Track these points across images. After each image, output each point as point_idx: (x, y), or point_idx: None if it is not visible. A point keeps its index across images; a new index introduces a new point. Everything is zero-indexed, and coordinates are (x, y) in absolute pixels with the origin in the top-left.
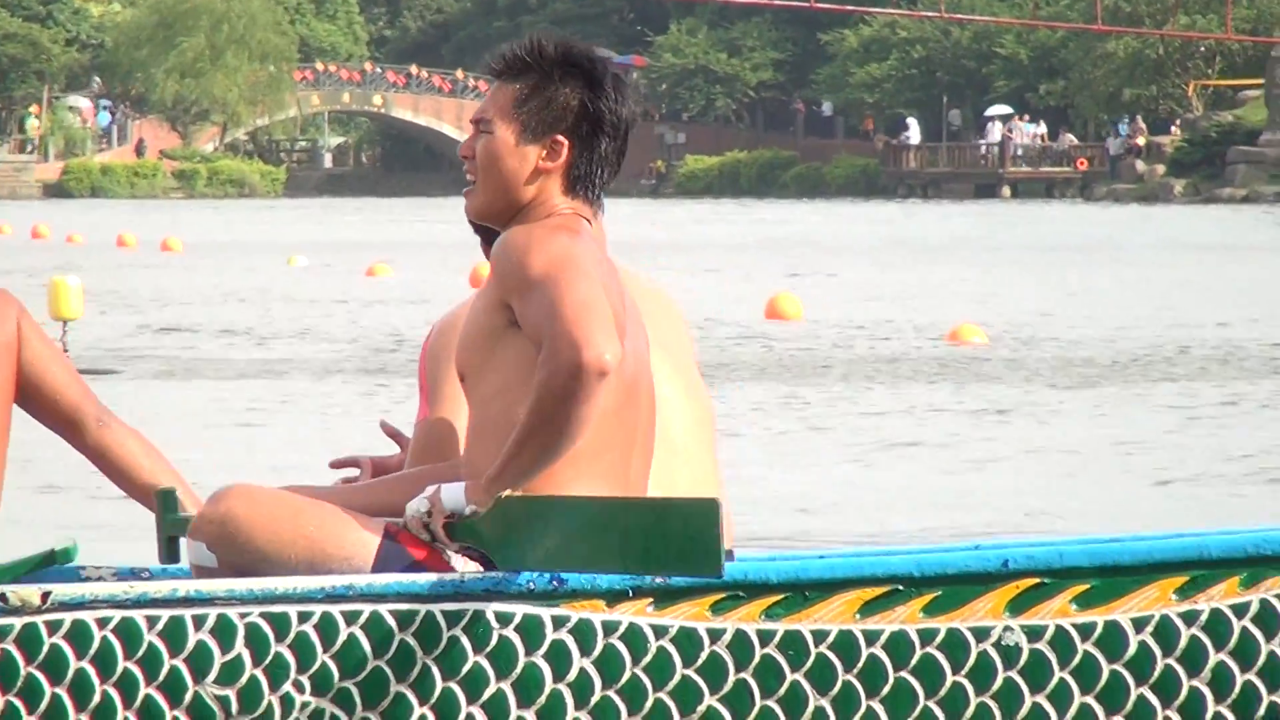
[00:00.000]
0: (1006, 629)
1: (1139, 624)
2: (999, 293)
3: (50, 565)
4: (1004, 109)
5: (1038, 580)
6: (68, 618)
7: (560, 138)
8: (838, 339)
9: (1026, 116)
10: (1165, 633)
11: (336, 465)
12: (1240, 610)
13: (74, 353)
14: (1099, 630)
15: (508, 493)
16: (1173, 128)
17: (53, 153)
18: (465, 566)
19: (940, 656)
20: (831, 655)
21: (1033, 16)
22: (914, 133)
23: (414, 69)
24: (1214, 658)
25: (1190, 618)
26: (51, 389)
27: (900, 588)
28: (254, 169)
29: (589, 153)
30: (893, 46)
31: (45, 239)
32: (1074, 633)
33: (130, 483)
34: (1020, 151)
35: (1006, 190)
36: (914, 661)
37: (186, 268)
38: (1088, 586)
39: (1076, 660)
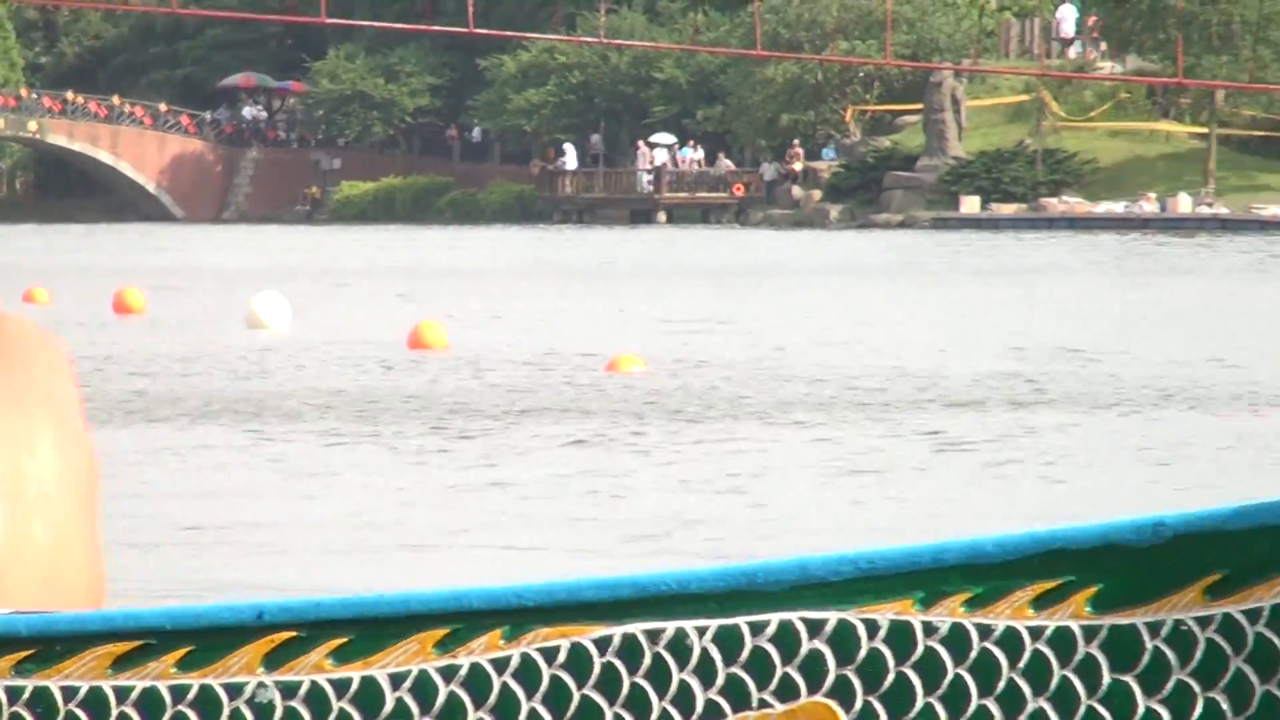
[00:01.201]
0: (260, 685)
1: (397, 680)
2: (655, 320)
3: None
4: (669, 138)
5: (294, 633)
6: None
7: None
8: (484, 368)
9: (692, 142)
10: (423, 688)
11: None
12: (501, 665)
13: None
14: (355, 686)
15: None
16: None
17: None
18: None
19: (192, 715)
20: (81, 713)
21: (692, 42)
22: (570, 158)
23: (70, 95)
24: (473, 715)
25: (450, 673)
26: None
27: (153, 642)
28: None
29: None
30: (551, 72)
31: None
32: (329, 689)
33: None
34: (674, 177)
35: (662, 216)
36: None
37: None
38: (346, 640)
39: (333, 716)
